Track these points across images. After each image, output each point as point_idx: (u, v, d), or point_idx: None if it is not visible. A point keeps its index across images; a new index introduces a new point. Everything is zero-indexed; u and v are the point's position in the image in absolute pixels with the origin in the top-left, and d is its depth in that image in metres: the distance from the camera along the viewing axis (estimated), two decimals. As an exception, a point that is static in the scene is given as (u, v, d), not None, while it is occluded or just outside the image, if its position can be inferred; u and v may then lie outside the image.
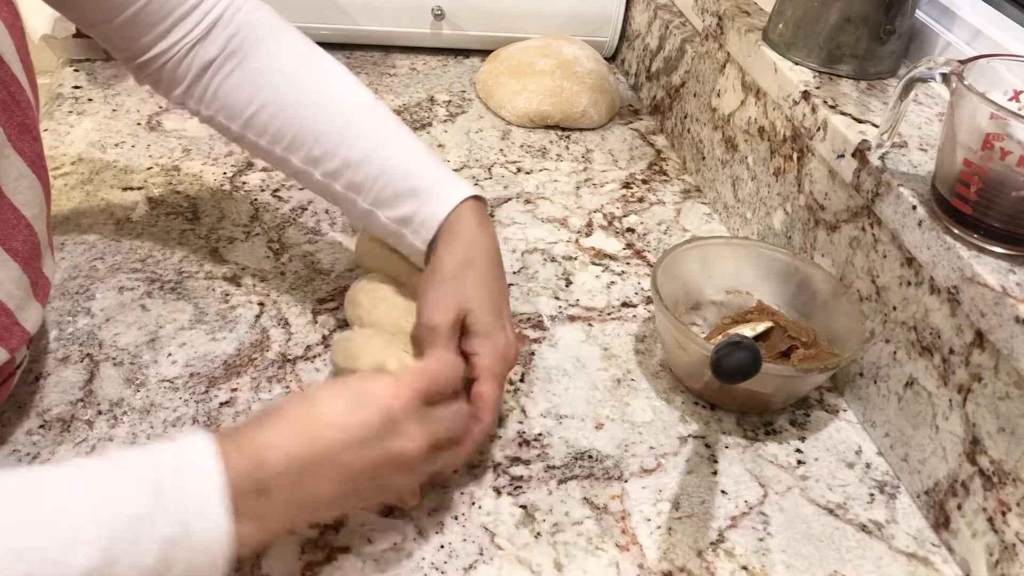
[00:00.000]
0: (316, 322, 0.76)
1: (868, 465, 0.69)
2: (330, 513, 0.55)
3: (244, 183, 0.93)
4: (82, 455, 0.62)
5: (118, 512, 0.42)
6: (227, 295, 0.78)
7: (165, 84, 0.70)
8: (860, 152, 0.70)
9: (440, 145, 1.03)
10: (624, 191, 0.99)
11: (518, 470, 0.65)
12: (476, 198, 0.67)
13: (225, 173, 0.94)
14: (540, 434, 0.68)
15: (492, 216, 0.92)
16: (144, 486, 0.43)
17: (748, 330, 0.73)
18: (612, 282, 0.85)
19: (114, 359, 0.70)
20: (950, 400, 0.63)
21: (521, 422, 0.69)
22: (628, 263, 0.88)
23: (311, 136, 0.68)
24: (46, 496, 0.42)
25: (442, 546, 0.59)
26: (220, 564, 0.45)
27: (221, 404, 0.67)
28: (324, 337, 0.75)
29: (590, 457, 0.67)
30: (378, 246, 0.74)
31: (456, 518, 0.61)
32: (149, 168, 0.93)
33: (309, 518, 0.53)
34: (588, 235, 0.91)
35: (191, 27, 0.67)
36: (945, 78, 0.60)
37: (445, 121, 1.08)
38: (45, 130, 0.97)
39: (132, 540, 0.42)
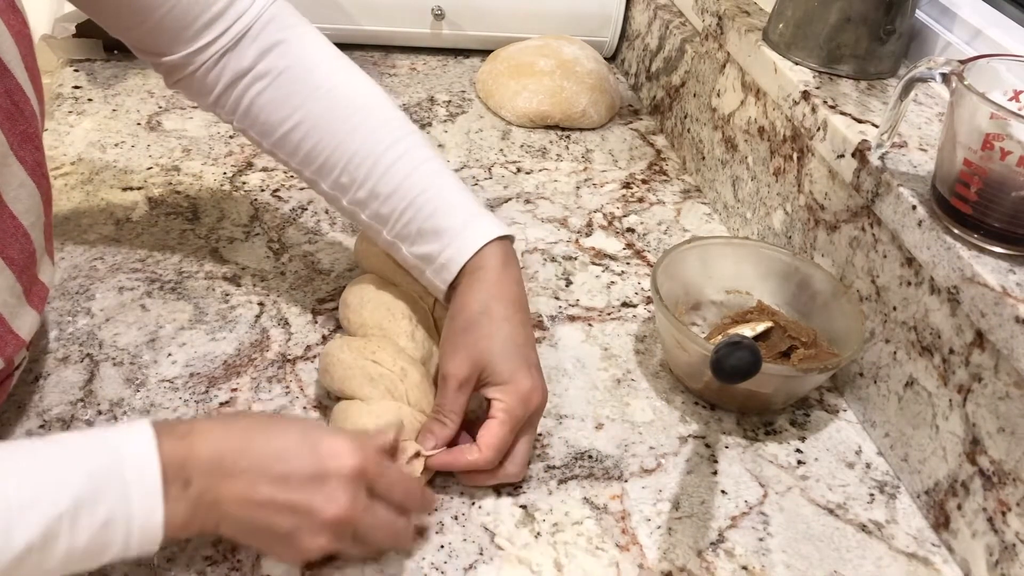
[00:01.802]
0: (316, 322, 0.76)
1: (868, 465, 0.69)
2: (237, 532, 0.52)
3: (244, 183, 0.93)
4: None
5: (61, 496, 0.44)
6: (227, 295, 0.78)
7: (196, 91, 0.70)
8: (860, 152, 0.70)
9: (440, 145, 1.03)
10: (624, 191, 0.99)
11: (518, 470, 0.65)
12: (504, 238, 0.65)
13: (225, 173, 0.94)
14: (540, 434, 0.68)
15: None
16: (85, 471, 0.45)
17: (748, 330, 0.73)
18: (612, 282, 0.85)
19: (114, 359, 0.70)
20: (950, 400, 0.63)
21: (521, 422, 0.69)
22: (628, 263, 0.88)
23: (340, 162, 0.67)
24: (4, 474, 0.44)
25: (442, 546, 0.59)
26: (152, 547, 0.48)
27: (221, 404, 0.67)
28: (324, 337, 0.75)
29: (590, 457, 0.67)
30: (375, 248, 0.74)
31: (456, 518, 0.61)
32: (149, 168, 0.93)
33: (216, 525, 0.51)
34: (588, 235, 0.91)
35: (218, 33, 0.66)
36: (945, 78, 0.60)
37: (445, 121, 1.08)
38: (45, 130, 0.96)
39: (72, 522, 0.44)
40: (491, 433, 0.60)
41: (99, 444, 0.47)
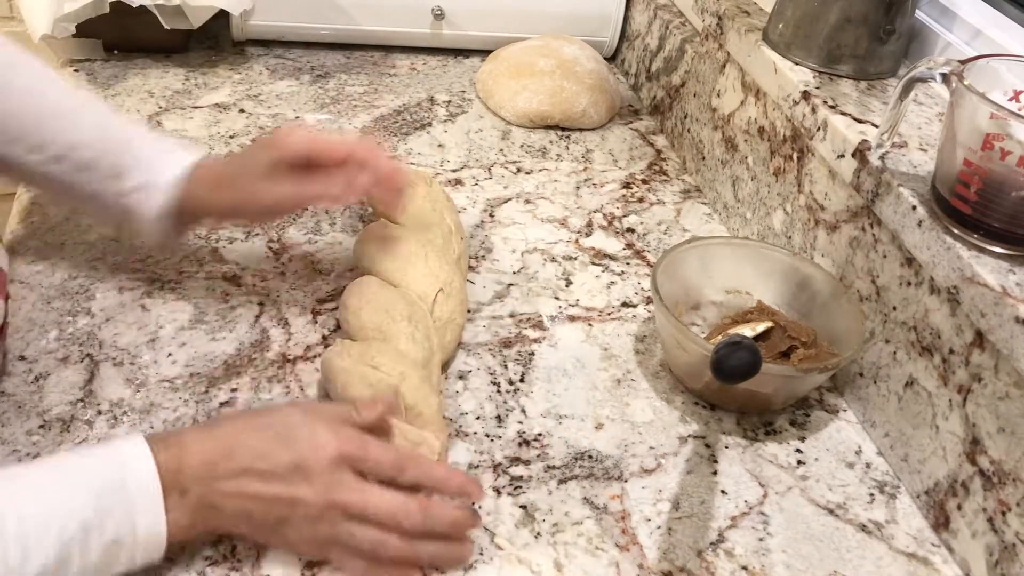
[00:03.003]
0: (316, 322, 0.76)
1: (868, 465, 0.69)
2: (238, 526, 0.55)
3: (244, 183, 0.92)
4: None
5: (69, 523, 0.48)
6: (227, 295, 0.78)
7: None
8: (860, 152, 0.70)
9: (440, 145, 1.03)
10: (624, 191, 0.99)
11: (518, 470, 0.65)
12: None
13: (225, 173, 0.94)
14: (540, 434, 0.68)
15: (492, 217, 0.92)
16: (90, 494, 0.49)
17: (748, 330, 0.73)
18: (612, 282, 0.85)
19: (114, 359, 0.70)
20: (950, 400, 0.63)
21: (521, 422, 0.69)
22: (628, 263, 0.88)
23: (32, 124, 0.69)
24: (20, 501, 0.47)
25: (442, 546, 0.59)
26: (157, 556, 0.52)
27: (221, 404, 0.67)
28: (324, 337, 0.75)
29: (590, 457, 0.67)
30: (374, 248, 0.74)
31: (456, 518, 0.61)
32: (149, 168, 0.93)
33: (218, 523, 0.55)
34: (588, 235, 0.91)
35: None
36: (945, 78, 0.60)
37: (445, 121, 1.08)
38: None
39: (83, 544, 0.48)
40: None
41: (101, 463, 0.51)
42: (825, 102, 0.76)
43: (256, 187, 0.69)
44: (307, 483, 0.53)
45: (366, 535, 0.54)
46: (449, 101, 1.13)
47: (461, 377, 0.72)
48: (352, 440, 0.55)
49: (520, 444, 0.67)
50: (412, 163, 0.99)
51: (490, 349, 0.76)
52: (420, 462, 0.57)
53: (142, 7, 1.03)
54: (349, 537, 0.54)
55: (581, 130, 1.10)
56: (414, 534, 0.55)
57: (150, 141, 0.71)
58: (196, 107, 1.04)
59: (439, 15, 1.18)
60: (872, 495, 0.67)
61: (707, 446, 0.69)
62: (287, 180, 0.69)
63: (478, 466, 0.65)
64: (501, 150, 1.04)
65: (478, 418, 0.69)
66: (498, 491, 0.63)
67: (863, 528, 0.64)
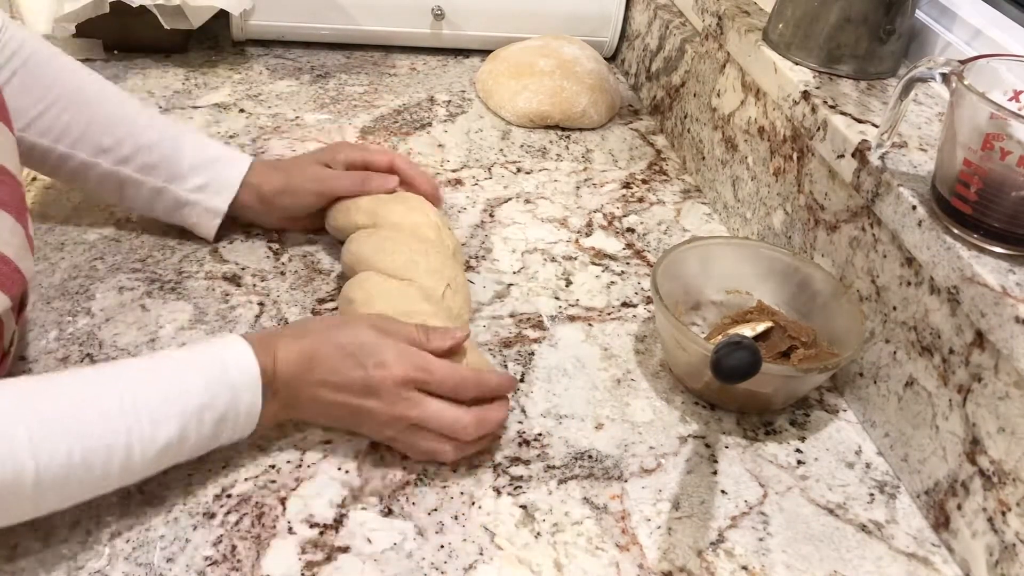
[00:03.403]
0: (316, 322, 0.76)
1: (868, 465, 0.69)
2: (315, 420, 0.65)
3: (244, 183, 0.92)
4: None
5: (189, 403, 0.56)
6: (227, 295, 0.78)
7: None
8: (860, 152, 0.70)
9: (440, 145, 1.03)
10: (624, 191, 0.99)
11: (518, 470, 0.65)
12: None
13: (225, 173, 0.94)
14: (540, 434, 0.68)
15: (492, 217, 0.92)
16: (203, 379, 0.57)
17: (748, 330, 0.73)
18: (612, 282, 0.85)
19: (114, 359, 0.70)
20: (950, 400, 0.63)
21: (521, 422, 0.69)
22: (628, 263, 0.88)
23: (99, 127, 0.76)
24: (136, 389, 0.55)
25: (442, 546, 0.59)
26: (250, 431, 0.61)
27: (221, 404, 0.67)
28: (324, 337, 0.75)
29: (590, 457, 0.67)
30: (369, 249, 0.74)
31: (456, 518, 0.61)
32: (149, 168, 0.93)
33: (302, 418, 0.65)
34: (588, 235, 0.91)
35: None
36: (945, 78, 0.60)
37: (445, 121, 1.08)
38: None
39: (199, 421, 0.57)
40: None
41: (211, 359, 0.59)
42: (825, 102, 0.76)
43: (306, 170, 0.82)
44: (375, 398, 0.61)
45: (426, 443, 0.62)
46: (449, 101, 1.13)
47: (461, 377, 0.72)
48: (417, 364, 0.61)
49: (520, 444, 0.67)
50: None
51: (490, 349, 0.76)
52: (478, 381, 0.63)
53: (142, 7, 1.03)
54: (412, 443, 0.63)
55: (581, 130, 1.10)
56: (467, 442, 0.63)
57: (209, 143, 0.81)
58: (196, 107, 1.04)
59: (439, 15, 1.18)
60: (872, 495, 0.67)
61: (707, 446, 0.69)
62: (335, 170, 0.83)
63: (478, 466, 0.65)
64: (501, 150, 1.04)
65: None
66: (498, 491, 0.63)
67: (863, 528, 0.64)
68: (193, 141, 0.80)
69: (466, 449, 0.64)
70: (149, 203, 0.80)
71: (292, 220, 0.84)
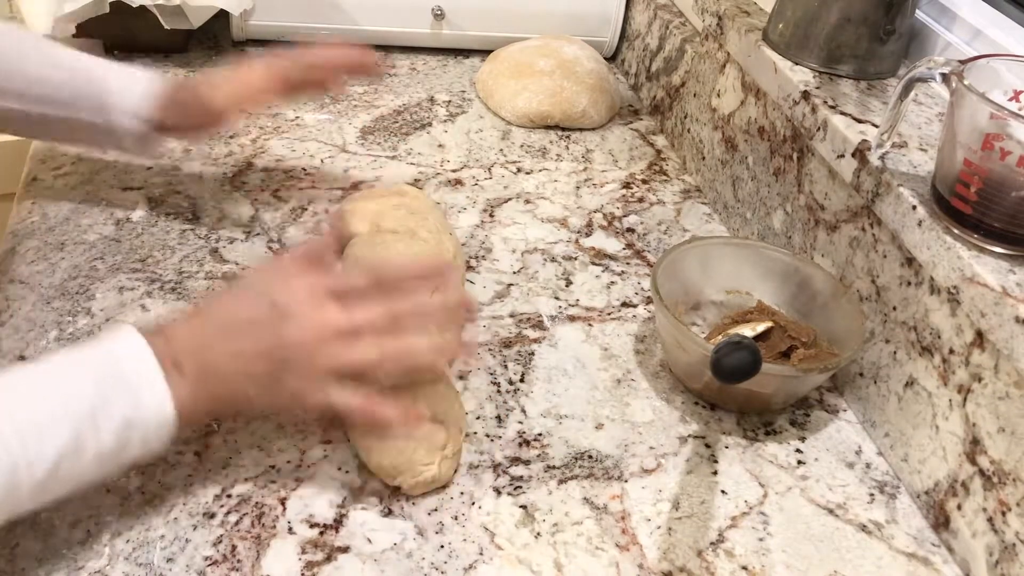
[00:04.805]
0: (316, 322, 0.76)
1: (868, 465, 0.69)
2: (246, 390, 0.56)
3: (244, 183, 0.93)
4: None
5: (79, 408, 0.50)
6: (227, 295, 0.78)
7: None
8: (860, 152, 0.70)
9: (440, 145, 1.03)
10: (624, 191, 0.99)
11: (518, 470, 0.65)
12: None
13: (225, 173, 0.94)
14: (540, 434, 0.68)
15: (492, 217, 0.92)
16: (92, 381, 0.51)
17: (748, 330, 0.73)
18: (612, 282, 0.85)
19: (114, 359, 0.70)
20: (950, 400, 0.63)
21: (521, 422, 0.69)
22: (628, 263, 0.88)
23: (10, 71, 0.74)
24: (21, 397, 0.50)
25: (442, 546, 0.59)
26: (167, 433, 0.53)
27: (221, 404, 0.67)
28: (324, 337, 0.75)
29: (590, 457, 0.67)
30: (369, 256, 0.74)
31: (456, 518, 0.61)
32: (149, 168, 0.93)
33: (224, 392, 0.56)
34: (588, 235, 0.91)
35: None
36: (945, 78, 0.60)
37: (445, 121, 1.08)
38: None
39: (93, 426, 0.50)
40: None
41: (96, 355, 0.53)
42: (825, 102, 0.76)
43: (224, 73, 0.79)
44: (291, 321, 0.55)
45: (363, 349, 0.55)
46: (449, 101, 1.13)
47: (461, 377, 0.72)
48: (321, 271, 0.57)
49: (520, 444, 0.67)
50: (412, 163, 0.99)
51: (490, 349, 0.76)
52: (396, 268, 0.58)
53: (142, 7, 1.03)
54: (348, 357, 0.55)
55: (581, 130, 1.10)
56: (408, 331, 0.56)
57: (120, 68, 0.78)
58: (196, 107, 1.04)
59: (439, 15, 1.18)
60: (872, 495, 0.67)
61: (707, 446, 0.69)
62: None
63: (478, 466, 0.65)
64: (501, 150, 1.04)
65: (478, 418, 0.69)
66: (498, 491, 0.63)
67: (863, 528, 0.64)
68: (98, 64, 0.77)
69: (409, 346, 0.57)
70: (60, 129, 0.79)
71: (216, 116, 0.80)
